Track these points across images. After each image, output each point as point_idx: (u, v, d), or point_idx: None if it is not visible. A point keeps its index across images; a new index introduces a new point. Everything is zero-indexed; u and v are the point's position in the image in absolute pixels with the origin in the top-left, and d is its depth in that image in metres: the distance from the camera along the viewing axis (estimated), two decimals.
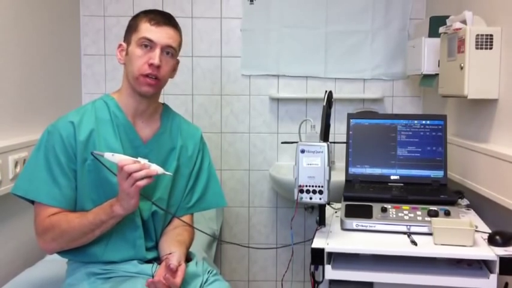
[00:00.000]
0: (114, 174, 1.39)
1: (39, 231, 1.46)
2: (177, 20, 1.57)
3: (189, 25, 2.65)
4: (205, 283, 1.48)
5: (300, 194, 1.52)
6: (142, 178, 1.35)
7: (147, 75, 1.47)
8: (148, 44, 1.47)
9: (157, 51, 1.47)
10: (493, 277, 1.41)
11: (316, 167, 1.51)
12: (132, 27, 1.52)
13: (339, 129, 2.65)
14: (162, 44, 1.48)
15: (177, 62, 1.60)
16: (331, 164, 1.58)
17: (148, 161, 1.39)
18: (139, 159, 1.38)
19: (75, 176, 1.46)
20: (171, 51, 1.51)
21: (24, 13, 2.06)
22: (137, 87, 1.49)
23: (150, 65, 1.46)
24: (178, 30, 1.55)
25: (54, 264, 1.80)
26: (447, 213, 1.60)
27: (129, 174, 1.33)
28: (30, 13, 2.11)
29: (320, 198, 1.52)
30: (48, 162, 1.44)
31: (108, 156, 1.37)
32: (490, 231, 1.57)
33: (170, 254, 1.43)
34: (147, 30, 1.47)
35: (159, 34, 1.47)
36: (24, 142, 1.92)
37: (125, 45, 1.53)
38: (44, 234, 1.45)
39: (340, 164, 2.34)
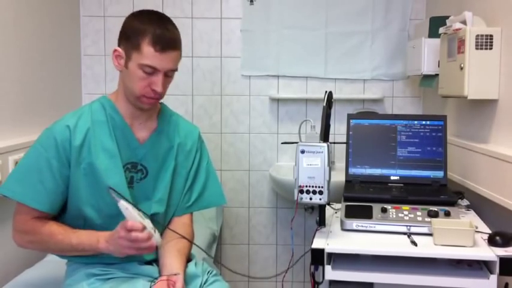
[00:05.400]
0: (129, 202, 1.36)
1: (18, 229, 1.47)
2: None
3: (189, 25, 2.65)
4: (205, 283, 1.48)
5: (300, 194, 1.52)
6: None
7: (149, 97, 1.45)
8: (152, 71, 1.42)
9: (161, 77, 1.43)
10: (493, 278, 1.41)
11: (316, 167, 1.51)
12: (133, 42, 1.42)
13: (339, 130, 2.65)
14: (166, 70, 1.44)
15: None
16: (331, 164, 1.58)
17: (150, 221, 1.36)
18: (144, 220, 1.34)
19: (66, 182, 1.45)
20: (174, 71, 1.48)
21: (24, 14, 2.06)
22: (138, 103, 1.47)
23: (153, 90, 1.43)
24: (180, 48, 1.48)
25: (54, 264, 1.80)
26: (447, 214, 1.60)
27: (135, 240, 1.32)
28: (30, 14, 2.11)
29: (320, 199, 1.52)
30: (39, 166, 1.43)
31: (122, 206, 1.33)
32: (490, 231, 1.57)
33: (175, 275, 1.41)
34: (151, 57, 1.40)
35: (164, 62, 1.41)
36: (24, 143, 1.92)
37: (122, 52, 1.46)
38: (23, 234, 1.46)
39: (340, 164, 2.34)
